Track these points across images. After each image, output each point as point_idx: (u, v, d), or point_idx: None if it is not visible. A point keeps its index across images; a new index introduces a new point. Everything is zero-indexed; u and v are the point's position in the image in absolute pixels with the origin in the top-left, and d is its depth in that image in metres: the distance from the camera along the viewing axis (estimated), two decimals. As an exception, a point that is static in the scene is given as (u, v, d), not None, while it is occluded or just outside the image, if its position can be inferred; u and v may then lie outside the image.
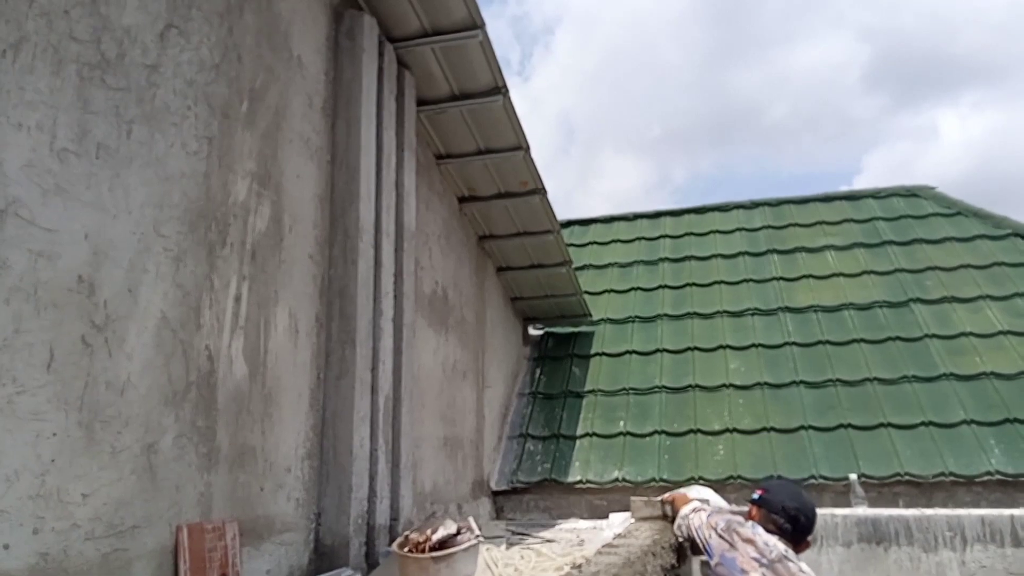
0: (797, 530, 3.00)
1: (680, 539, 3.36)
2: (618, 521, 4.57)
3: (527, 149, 4.92)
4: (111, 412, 2.22)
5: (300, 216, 3.35)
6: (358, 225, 3.58)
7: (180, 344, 2.54)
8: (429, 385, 4.55)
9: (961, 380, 5.76)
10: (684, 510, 3.41)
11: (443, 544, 2.54)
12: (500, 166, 5.13)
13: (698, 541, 3.13)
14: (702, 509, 3.33)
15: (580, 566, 2.21)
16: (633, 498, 3.69)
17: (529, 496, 5.61)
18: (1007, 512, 4.06)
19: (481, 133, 4.85)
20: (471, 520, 2.71)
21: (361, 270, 3.56)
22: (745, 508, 3.24)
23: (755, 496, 3.18)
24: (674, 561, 3.12)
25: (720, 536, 2.97)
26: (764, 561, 2.83)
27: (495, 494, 5.58)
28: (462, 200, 5.44)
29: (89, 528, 2.09)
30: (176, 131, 2.61)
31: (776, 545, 2.89)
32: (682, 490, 3.98)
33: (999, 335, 6.13)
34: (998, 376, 5.72)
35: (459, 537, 2.58)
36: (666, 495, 3.69)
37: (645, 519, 3.54)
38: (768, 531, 2.98)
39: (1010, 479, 4.94)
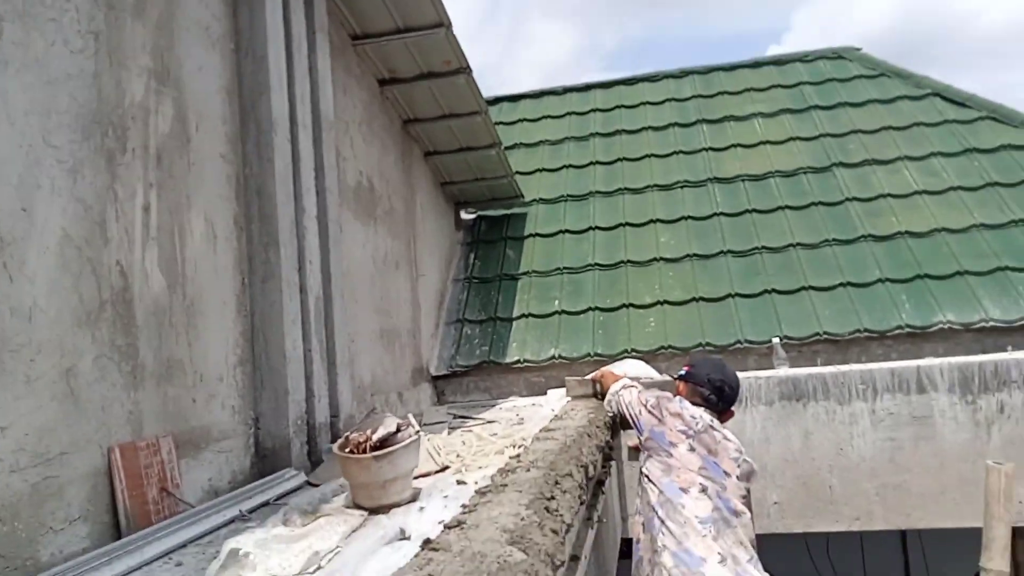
0: (722, 400, 3.16)
1: (610, 414, 3.48)
2: (555, 397, 4.73)
3: (449, 26, 4.67)
4: (20, 340, 2.11)
5: (206, 113, 3.13)
6: (271, 118, 3.38)
7: (88, 262, 2.40)
8: (361, 279, 4.49)
9: (878, 241, 6.01)
10: (613, 387, 3.51)
11: (383, 443, 2.57)
12: (421, 45, 4.86)
13: (628, 418, 3.24)
14: (631, 386, 3.42)
15: (519, 455, 2.28)
16: (567, 378, 3.80)
17: (469, 378, 5.73)
18: (914, 363, 4.34)
19: (398, 9, 4.56)
20: (411, 416, 2.75)
21: (278, 167, 3.39)
22: (677, 374, 3.37)
23: (681, 372, 3.32)
24: (608, 438, 3.25)
25: (650, 412, 3.08)
26: (691, 432, 2.96)
27: (435, 379, 5.68)
28: (383, 83, 5.18)
29: (12, 460, 2.03)
30: (56, 27, 2.36)
31: (702, 417, 3.03)
32: (611, 366, 4.12)
33: (915, 195, 6.36)
34: (912, 235, 5.98)
35: (399, 434, 2.62)
36: (595, 373, 3.80)
37: (579, 397, 3.67)
38: (695, 404, 3.12)
39: (918, 331, 5.27)
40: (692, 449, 2.94)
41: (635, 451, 3.35)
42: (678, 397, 3.19)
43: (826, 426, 4.29)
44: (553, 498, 1.77)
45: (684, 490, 2.85)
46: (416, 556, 1.36)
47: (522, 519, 1.56)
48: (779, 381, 4.34)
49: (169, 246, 2.81)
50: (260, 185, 3.35)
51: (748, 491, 3.02)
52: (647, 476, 2.99)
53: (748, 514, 2.90)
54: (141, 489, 2.55)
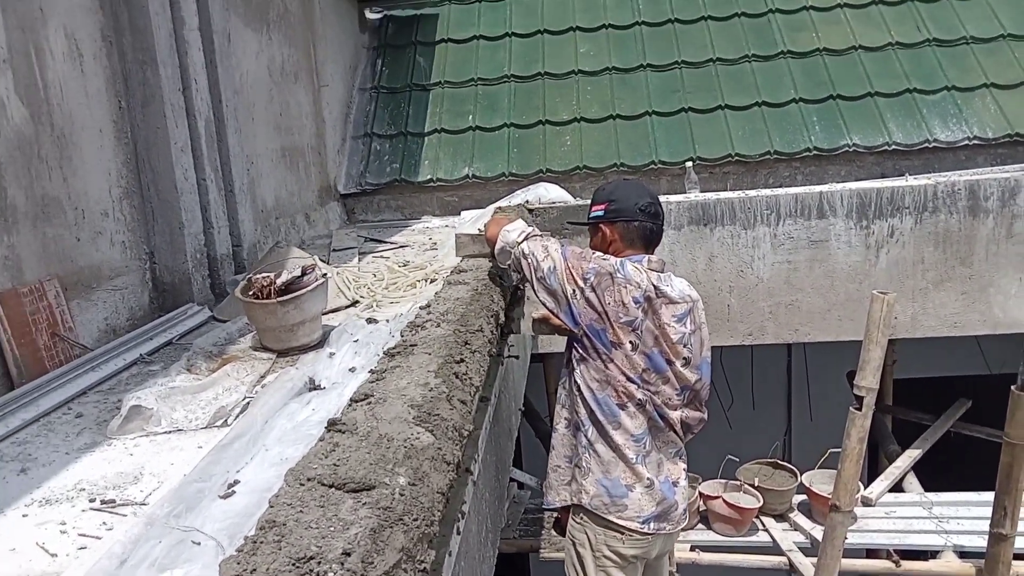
0: (660, 224, 2.59)
1: (512, 272, 2.71)
2: (469, 218, 4.67)
3: None
4: None
5: (50, -101, 2.62)
6: (133, -93, 2.88)
7: (-76, 93, 2.08)
8: (256, 94, 4.13)
9: (796, 58, 5.91)
10: (508, 235, 2.60)
11: (289, 287, 2.49)
12: None
13: (546, 290, 2.45)
14: (537, 235, 2.59)
15: (429, 305, 2.25)
16: (457, 233, 3.07)
17: (380, 197, 5.56)
18: (816, 189, 4.44)
19: None
20: (316, 259, 2.65)
21: (147, -32, 2.94)
22: (591, 216, 2.64)
23: (599, 212, 2.59)
24: (515, 283, 2.94)
25: (587, 300, 2.38)
26: (636, 323, 2.38)
27: (344, 197, 5.49)
28: None
29: None
30: None
31: (647, 286, 2.40)
32: (490, 213, 3.49)
33: (836, 8, 6.20)
34: (829, 52, 5.91)
35: (305, 278, 2.53)
36: (490, 225, 2.81)
37: (472, 256, 2.91)
38: (632, 249, 2.52)
39: (824, 153, 5.38)
40: (635, 347, 2.39)
41: (543, 324, 2.76)
42: (616, 262, 2.42)
43: (730, 249, 4.43)
44: (463, 360, 1.77)
45: (622, 407, 2.41)
46: (321, 440, 1.34)
47: (431, 390, 1.55)
48: (689, 206, 4.39)
49: (26, 69, 2.46)
50: (127, -11, 2.91)
51: (698, 374, 2.55)
52: (578, 385, 2.47)
53: (681, 413, 2.53)
54: (30, 336, 2.42)
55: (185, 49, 3.15)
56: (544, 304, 2.51)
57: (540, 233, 2.62)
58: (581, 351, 2.45)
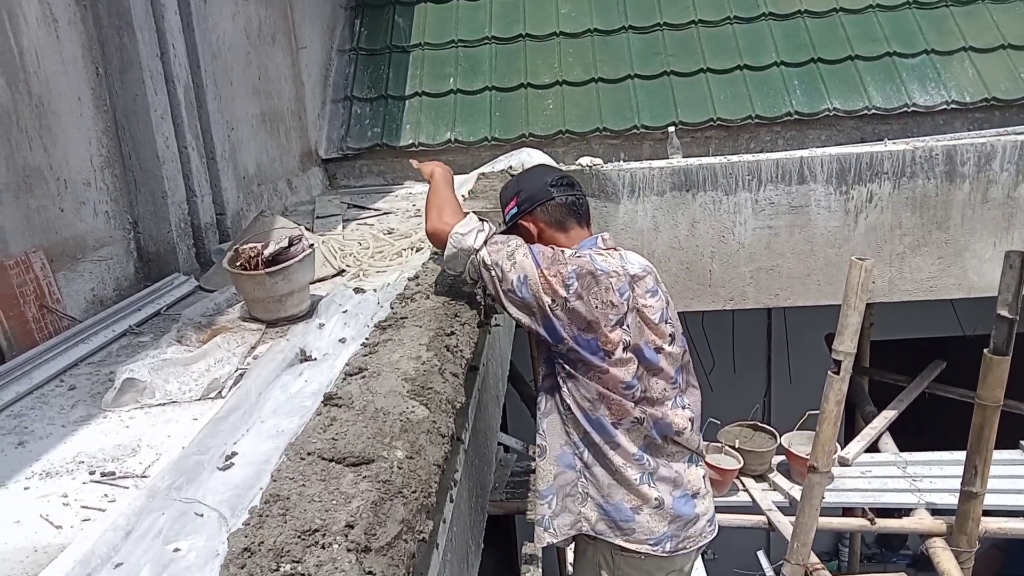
0: (582, 193, 2.33)
1: (468, 278, 2.21)
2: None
3: None
4: None
5: None
6: None
7: (-100, 63, 2.04)
8: (234, 58, 4.06)
9: (777, 20, 5.89)
10: (465, 241, 2.13)
11: (276, 258, 2.49)
12: None
13: (527, 304, 2.08)
14: (496, 238, 2.16)
15: (417, 276, 2.27)
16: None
17: (362, 162, 5.52)
18: (797, 154, 4.49)
19: None
20: (303, 228, 2.65)
21: (121, -71, 2.87)
22: (508, 219, 2.38)
23: (513, 210, 2.31)
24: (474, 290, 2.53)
25: (572, 310, 2.05)
26: (623, 315, 2.13)
27: (326, 162, 5.44)
28: None
29: None
30: None
31: (620, 271, 2.16)
32: (473, 180, 3.24)
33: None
34: (811, 15, 5.89)
35: (292, 248, 2.54)
36: (426, 211, 2.32)
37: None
38: (563, 232, 2.27)
39: (805, 118, 5.40)
40: (627, 346, 2.13)
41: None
42: (586, 253, 2.15)
43: (712, 215, 4.48)
44: (453, 333, 1.80)
45: (616, 424, 2.16)
46: (318, 414, 1.37)
47: (423, 363, 1.59)
48: (672, 172, 4.42)
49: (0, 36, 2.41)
50: (102, -48, 2.84)
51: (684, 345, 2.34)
52: (568, 405, 2.20)
53: (686, 408, 2.30)
54: (18, 309, 2.42)
55: (161, 12, 3.09)
56: (518, 321, 2.13)
57: (498, 231, 2.22)
58: (569, 367, 2.15)
